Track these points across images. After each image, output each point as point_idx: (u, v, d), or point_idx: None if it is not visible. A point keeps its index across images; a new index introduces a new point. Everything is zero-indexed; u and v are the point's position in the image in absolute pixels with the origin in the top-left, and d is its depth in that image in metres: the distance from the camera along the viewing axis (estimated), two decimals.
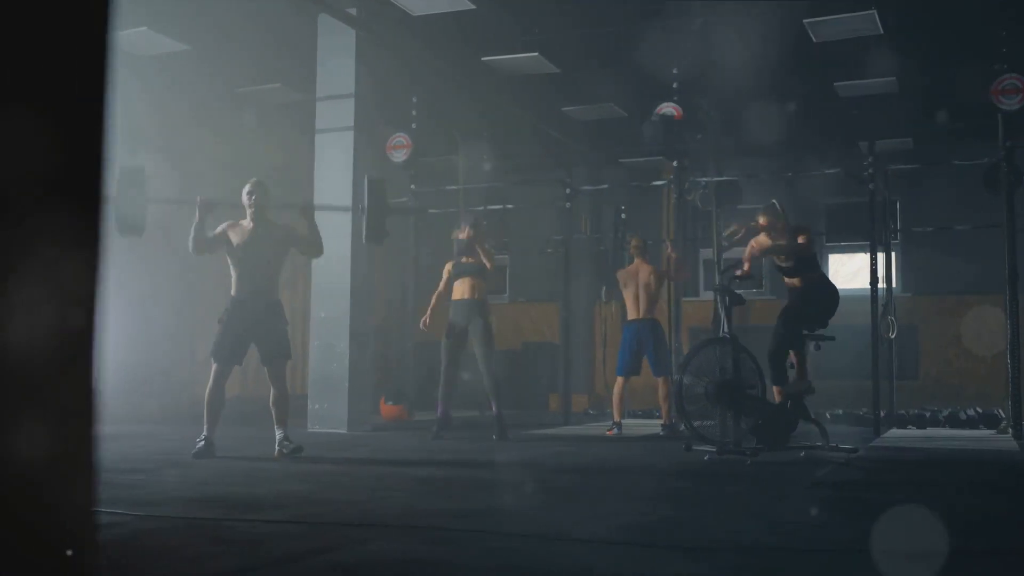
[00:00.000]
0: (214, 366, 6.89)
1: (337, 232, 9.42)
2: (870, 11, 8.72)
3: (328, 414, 9.48)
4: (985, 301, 12.89)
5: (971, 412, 11.23)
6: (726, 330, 6.99)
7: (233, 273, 6.96)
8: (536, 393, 14.01)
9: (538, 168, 13.61)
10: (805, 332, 7.19)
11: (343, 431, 9.34)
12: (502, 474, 6.17)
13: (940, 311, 13.24)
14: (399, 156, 11.36)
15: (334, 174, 9.63)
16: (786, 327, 7.13)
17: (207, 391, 6.92)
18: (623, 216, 12.48)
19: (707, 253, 13.25)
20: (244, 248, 6.88)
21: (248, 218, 6.94)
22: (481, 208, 11.86)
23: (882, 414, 10.09)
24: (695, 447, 6.95)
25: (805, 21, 9.02)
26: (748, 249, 7.30)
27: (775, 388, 7.17)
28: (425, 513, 4.33)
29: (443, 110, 11.82)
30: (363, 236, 7.11)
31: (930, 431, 10.43)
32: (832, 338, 7.60)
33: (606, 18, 9.45)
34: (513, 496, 5.06)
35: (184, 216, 6.99)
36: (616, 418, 9.54)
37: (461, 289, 8.63)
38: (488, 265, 8.47)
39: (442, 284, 8.90)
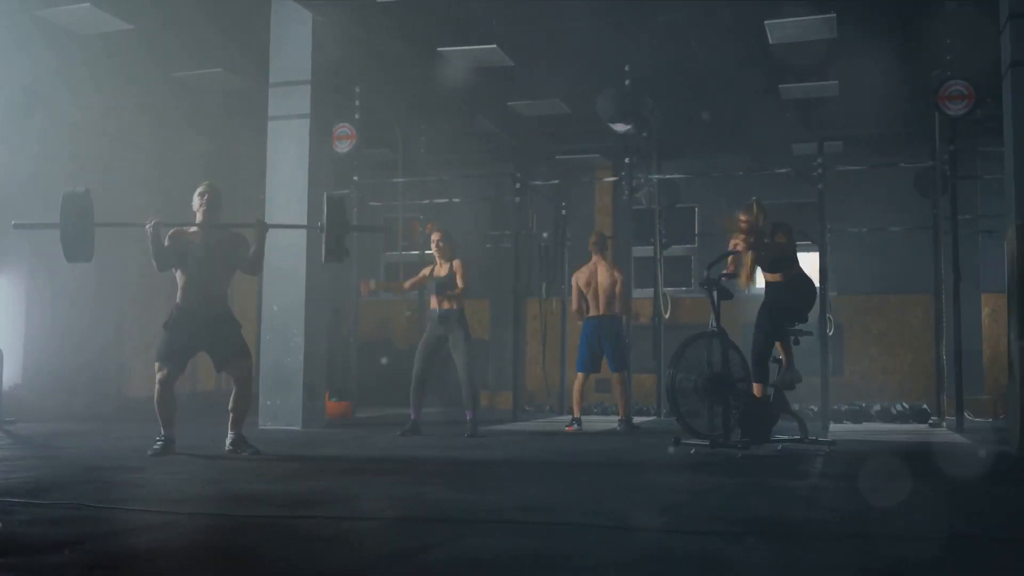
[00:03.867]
0: (160, 372, 6.46)
1: (292, 221, 9.15)
2: (831, 15, 8.91)
3: (281, 410, 9.17)
4: (907, 301, 13.41)
5: (900, 407, 11.62)
6: (715, 324, 7.03)
7: (179, 280, 6.56)
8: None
9: (474, 163, 13.50)
10: (788, 327, 7.29)
11: (297, 428, 9.05)
12: (516, 469, 6.06)
13: (864, 310, 13.66)
14: (343, 147, 11.09)
15: (288, 162, 9.33)
16: (772, 322, 7.20)
17: (155, 396, 6.47)
18: (564, 212, 12.52)
19: (639, 251, 13.35)
20: (192, 256, 6.52)
21: (197, 224, 6.58)
22: (427, 201, 11.71)
23: (815, 409, 10.34)
24: (683, 441, 6.98)
25: (766, 22, 9.15)
26: (734, 244, 7.34)
27: (756, 385, 7.22)
28: (488, 507, 4.20)
29: (390, 101, 11.60)
30: (323, 256, 6.81)
31: (866, 425, 10.73)
32: (810, 332, 7.76)
33: (566, 13, 9.40)
34: (549, 489, 4.95)
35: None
36: (576, 414, 9.52)
37: (440, 299, 8.47)
38: (460, 285, 8.39)
39: (415, 279, 8.83)
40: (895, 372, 13.34)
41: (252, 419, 8.81)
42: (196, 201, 6.62)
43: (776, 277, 7.44)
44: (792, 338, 7.37)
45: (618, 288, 9.36)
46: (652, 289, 11.82)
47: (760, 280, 7.62)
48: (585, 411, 12.27)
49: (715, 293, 7.05)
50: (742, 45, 9.88)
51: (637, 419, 10.24)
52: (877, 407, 11.71)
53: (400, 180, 11.76)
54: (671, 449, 6.88)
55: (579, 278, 9.46)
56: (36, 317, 10.29)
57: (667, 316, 11.78)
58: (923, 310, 13.17)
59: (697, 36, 9.79)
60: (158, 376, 6.45)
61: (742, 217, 7.31)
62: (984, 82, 9.59)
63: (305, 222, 9.20)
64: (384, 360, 10.63)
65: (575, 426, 9.42)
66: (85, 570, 2.90)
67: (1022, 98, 7.60)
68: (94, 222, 6.28)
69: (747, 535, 3.56)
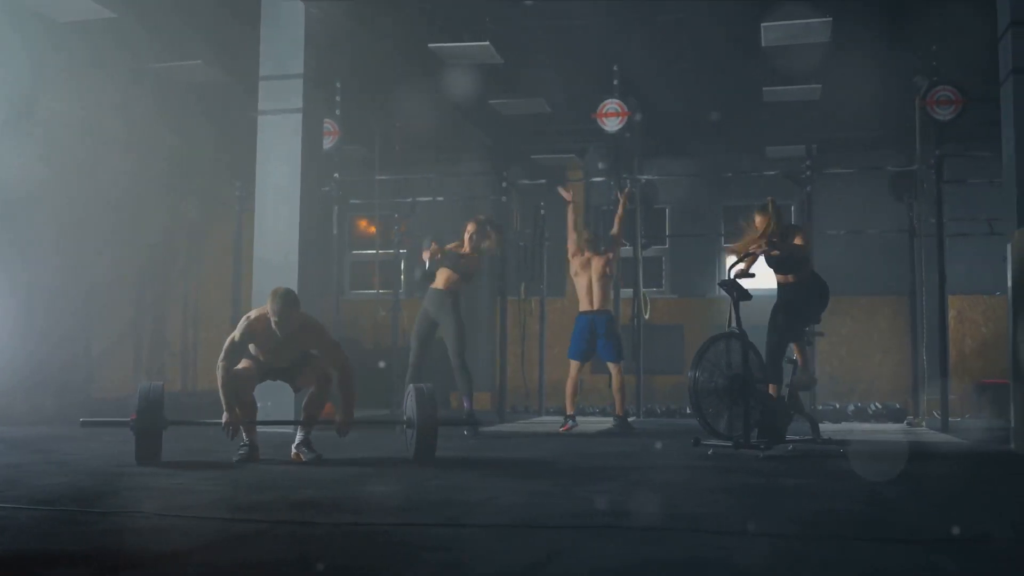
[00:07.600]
0: None
1: (284, 218, 8.96)
2: (827, 18, 8.98)
3: (274, 412, 8.89)
4: (876, 303, 13.61)
5: (875, 407, 11.81)
6: (734, 325, 7.01)
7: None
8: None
9: (451, 161, 13.35)
10: (803, 327, 7.34)
11: (290, 430, 8.80)
12: (561, 472, 5.95)
13: (833, 311, 13.78)
14: (325, 143, 10.86)
15: (279, 159, 9.09)
16: (788, 323, 7.24)
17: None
18: (543, 212, 12.43)
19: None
20: (267, 350, 6.30)
21: (274, 327, 6.10)
22: (410, 200, 11.54)
23: None
24: (703, 442, 6.95)
25: (762, 24, 9.19)
26: (754, 247, 7.34)
27: (771, 385, 7.24)
28: (575, 512, 4.10)
29: (372, 96, 11.40)
30: (411, 454, 6.22)
31: (845, 425, 10.84)
32: (823, 333, 7.83)
33: (564, 11, 9.34)
34: (614, 492, 4.86)
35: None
36: (569, 411, 9.39)
37: (440, 278, 8.48)
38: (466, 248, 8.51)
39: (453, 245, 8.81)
40: (865, 372, 13.53)
41: None
42: (271, 311, 6.04)
43: (789, 278, 7.50)
44: (807, 339, 7.42)
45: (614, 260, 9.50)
46: (631, 290, 11.80)
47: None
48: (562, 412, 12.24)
49: (734, 294, 7.04)
50: (733, 47, 9.90)
51: None
52: (851, 407, 11.87)
53: (382, 178, 11.57)
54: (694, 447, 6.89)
55: (574, 262, 9.38)
56: (3, 317, 9.86)
57: (647, 317, 11.77)
58: (892, 311, 13.40)
59: (691, 37, 9.79)
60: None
61: (759, 218, 7.33)
62: (969, 87, 9.79)
63: (298, 220, 9.00)
64: (382, 364, 10.50)
65: (570, 424, 9.28)
66: None
67: (1023, 104, 7.70)
68: (166, 421, 5.97)
69: (870, 540, 3.53)
